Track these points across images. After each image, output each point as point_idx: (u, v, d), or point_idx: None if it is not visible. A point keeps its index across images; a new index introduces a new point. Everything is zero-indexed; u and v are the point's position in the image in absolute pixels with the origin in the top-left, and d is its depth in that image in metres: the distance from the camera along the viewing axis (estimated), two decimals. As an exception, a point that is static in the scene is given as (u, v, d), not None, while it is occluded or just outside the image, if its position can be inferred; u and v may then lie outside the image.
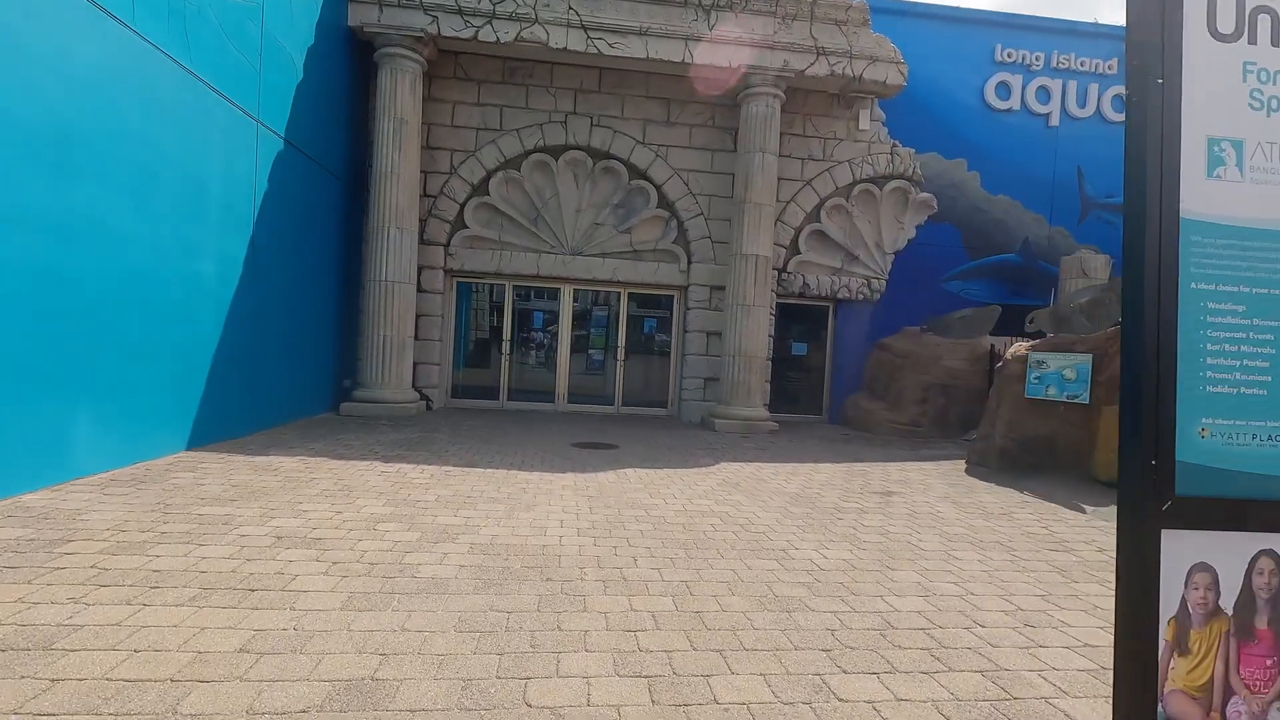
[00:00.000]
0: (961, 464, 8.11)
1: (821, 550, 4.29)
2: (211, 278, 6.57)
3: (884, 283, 12.08)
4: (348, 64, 10.08)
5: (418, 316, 10.96)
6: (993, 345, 10.45)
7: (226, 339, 6.90)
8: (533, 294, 11.77)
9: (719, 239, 11.55)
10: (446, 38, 9.98)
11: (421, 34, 9.80)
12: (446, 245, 11.11)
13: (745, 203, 10.54)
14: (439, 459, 6.79)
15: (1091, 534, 5.06)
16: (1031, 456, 7.50)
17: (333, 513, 4.51)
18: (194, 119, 6.17)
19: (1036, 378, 7.49)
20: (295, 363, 8.81)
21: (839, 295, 11.94)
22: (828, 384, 12.31)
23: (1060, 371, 7.25)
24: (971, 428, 10.55)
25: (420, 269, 10.94)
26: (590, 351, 12.00)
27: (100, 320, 5.07)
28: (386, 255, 9.85)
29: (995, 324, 10.79)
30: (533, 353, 11.89)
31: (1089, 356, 7.05)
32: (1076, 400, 7.10)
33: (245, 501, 4.65)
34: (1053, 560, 4.31)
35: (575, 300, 11.76)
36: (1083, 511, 5.76)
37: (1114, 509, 5.91)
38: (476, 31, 9.91)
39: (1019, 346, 8.01)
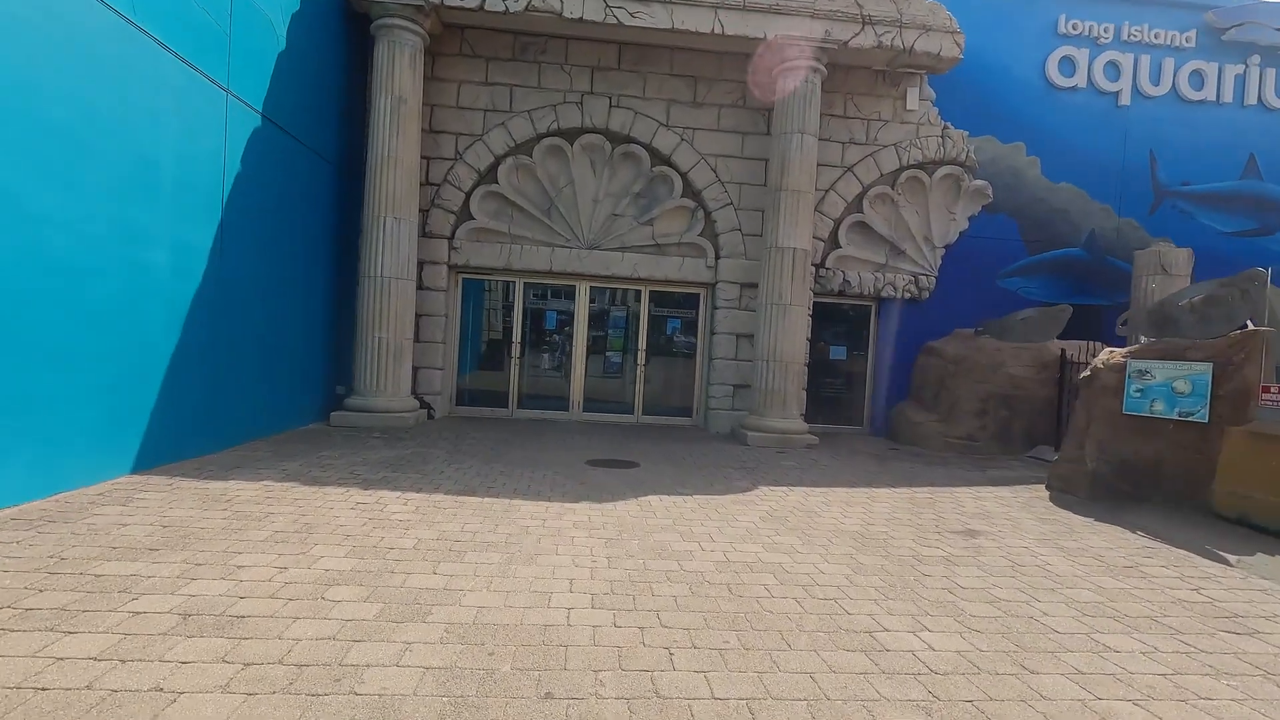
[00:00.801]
0: (1040, 489, 6.94)
1: (921, 633, 3.18)
2: (163, 269, 5.60)
3: (933, 280, 10.90)
4: (342, 37, 9.12)
5: (418, 316, 9.98)
6: (1063, 351, 9.22)
7: (186, 342, 5.93)
8: (546, 292, 10.73)
9: (750, 231, 10.44)
10: (450, 8, 8.97)
11: (423, 3, 8.80)
12: (450, 238, 10.11)
13: (781, 190, 9.42)
14: (430, 484, 5.77)
15: (1264, 601, 3.89)
16: (1130, 484, 6.31)
17: (275, 570, 3.49)
18: (138, 80, 5.20)
19: (1138, 390, 6.30)
20: (278, 368, 7.85)
21: (883, 294, 10.78)
22: (869, 392, 11.14)
23: (1170, 383, 6.06)
24: (1037, 443, 9.34)
25: (421, 264, 9.96)
26: (608, 355, 10.95)
27: (3, 318, 4.10)
28: (382, 248, 8.87)
29: (1065, 326, 9.56)
30: (545, 356, 10.86)
31: (1208, 366, 5.85)
32: (1191, 418, 5.91)
33: (169, 551, 3.65)
34: (1244, 652, 3.16)
35: (592, 299, 10.71)
36: (1228, 563, 4.58)
37: (1270, 560, 4.75)
38: (483, 0, 8.90)
39: (1110, 353, 6.82)
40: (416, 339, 9.98)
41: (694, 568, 3.97)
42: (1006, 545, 4.82)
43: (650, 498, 5.83)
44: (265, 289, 7.44)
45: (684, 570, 3.91)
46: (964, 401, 9.67)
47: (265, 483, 5.37)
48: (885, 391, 11.02)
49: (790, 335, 9.38)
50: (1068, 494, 6.58)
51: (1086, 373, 6.78)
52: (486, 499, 5.37)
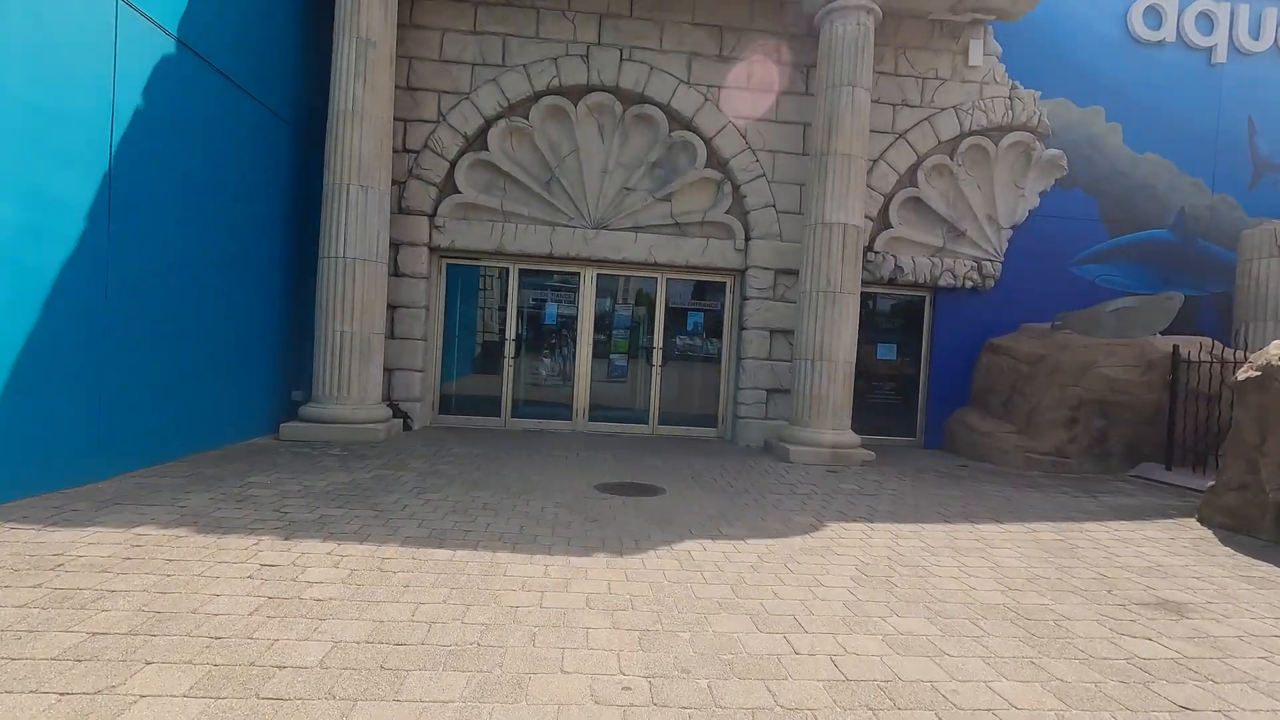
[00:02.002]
0: (1192, 524, 5.32)
1: None
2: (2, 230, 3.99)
3: (998, 266, 9.30)
4: (298, -31, 7.55)
5: (393, 308, 8.38)
6: (1175, 348, 7.61)
7: (51, 331, 4.33)
8: (545, 280, 9.13)
9: (787, 208, 8.84)
10: (429, -67, 7.40)
11: (395, -75, 7.24)
12: (432, 216, 8.52)
13: (828, 154, 7.82)
14: (383, 527, 4.15)
15: None
16: (1327, 520, 4.70)
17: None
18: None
19: (1341, 395, 4.69)
20: (213, 369, 6.24)
21: (940, 282, 9.18)
22: (923, 397, 9.53)
23: (1394, 386, 4.45)
24: (1141, 459, 7.72)
25: (397, 246, 8.36)
26: (617, 354, 9.33)
27: None
28: (345, 223, 7.26)
29: (1173, 318, 7.96)
30: (544, 356, 9.24)
31: None
32: None
33: None
34: None
35: (599, 288, 9.10)
36: None
37: None
38: (469, -78, 7.33)
39: (1282, 346, 5.21)
40: (390, 335, 8.38)
41: (795, 698, 2.35)
42: (1246, 630, 3.20)
43: (689, 545, 4.21)
44: (194, 269, 5.84)
45: (782, 707, 2.29)
46: (1047, 409, 8.05)
47: (140, 529, 3.75)
48: (942, 396, 9.41)
49: (839, 329, 7.77)
50: (1241, 533, 4.97)
51: (1253, 373, 5.17)
52: (460, 553, 3.75)
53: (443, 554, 3.71)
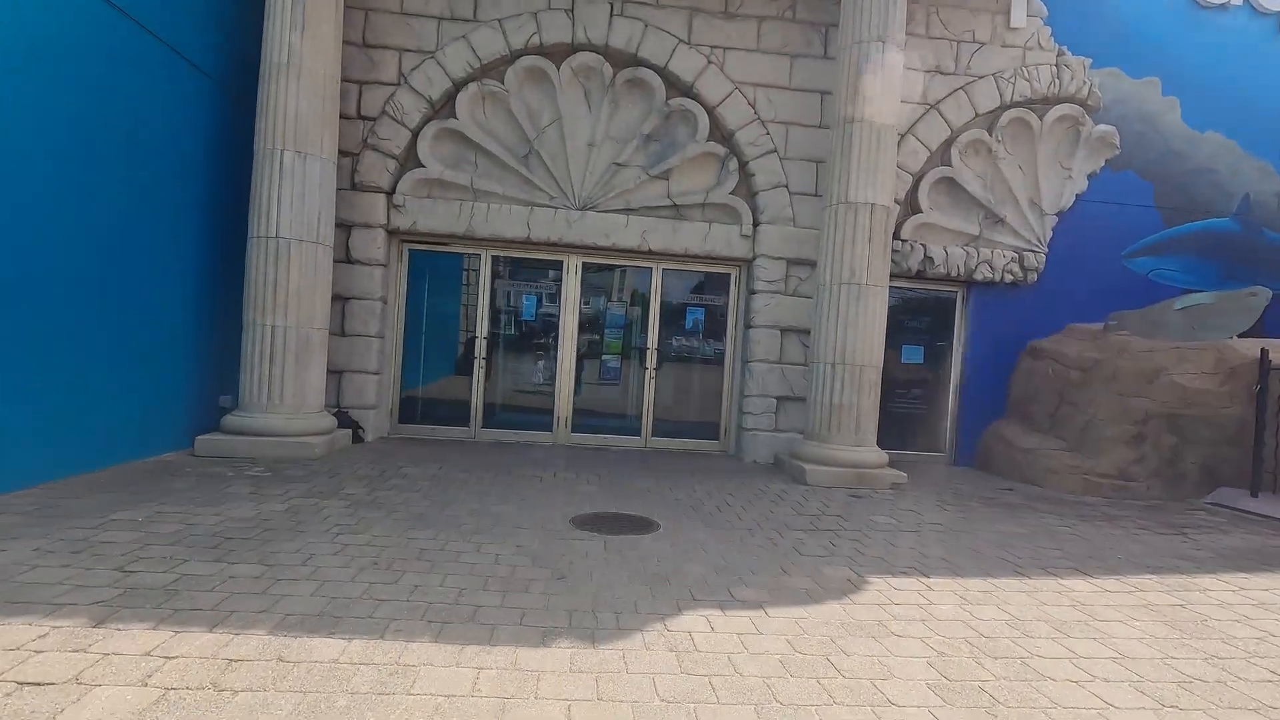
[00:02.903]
0: (1326, 578, 4.18)
1: None
2: None
3: (1042, 257, 8.15)
4: (226, -105, 6.35)
5: (343, 300, 7.18)
6: (1264, 351, 6.46)
7: None
8: (523, 269, 7.94)
9: (801, 189, 7.68)
10: None
11: None
12: (390, 193, 7.32)
13: (853, 122, 6.65)
14: (258, 597, 2.96)
15: None
16: None
17: None
18: None
19: None
20: (100, 370, 5.05)
21: (975, 275, 8.02)
22: (954, 406, 8.37)
23: None
24: (1220, 483, 6.57)
25: (349, 227, 7.17)
26: (606, 355, 8.15)
27: None
28: (277, 197, 6.07)
29: (1258, 317, 6.82)
30: (522, 356, 8.05)
31: None
32: None
33: None
34: None
35: (585, 279, 7.92)
36: None
37: None
38: None
39: None
40: (340, 331, 7.18)
41: None
42: None
43: (691, 620, 3.04)
44: (73, 248, 4.64)
45: None
46: (1106, 423, 6.89)
47: (-119, 611, 2.55)
48: (975, 406, 8.25)
49: (866, 328, 6.60)
50: None
51: None
52: (355, 645, 2.56)
53: (329, 648, 2.52)
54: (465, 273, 7.84)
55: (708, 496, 5.72)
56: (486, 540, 4.10)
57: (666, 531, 4.60)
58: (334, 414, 6.94)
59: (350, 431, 6.95)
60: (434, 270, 7.86)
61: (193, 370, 6.26)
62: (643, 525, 4.74)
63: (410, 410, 7.82)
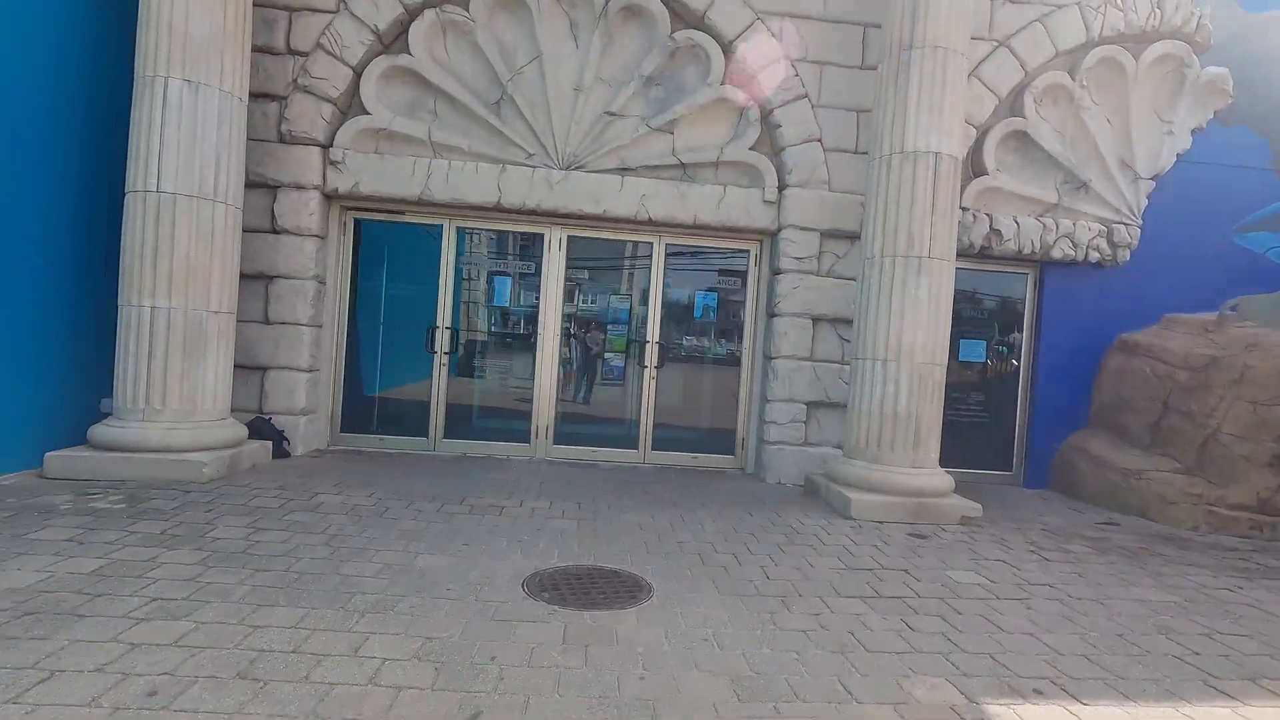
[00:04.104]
0: None
1: None
2: None
3: (1135, 232, 6.59)
4: None
5: (269, 279, 5.77)
6: None
7: None
8: (494, 242, 6.49)
9: (839, 144, 6.18)
10: None
11: None
12: (327, 146, 5.90)
13: (912, 48, 5.13)
14: None
15: None
16: None
17: None
18: None
19: None
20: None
21: (1052, 253, 6.48)
22: (1023, 413, 6.82)
23: None
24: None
25: (274, 188, 5.76)
26: (596, 351, 6.68)
27: None
28: (159, 138, 4.64)
29: None
30: (494, 352, 6.60)
31: None
32: None
33: None
34: None
35: (571, 254, 6.46)
36: None
37: None
38: None
39: None
40: (263, 318, 5.77)
41: None
42: None
43: None
44: None
45: None
46: (1234, 439, 5.34)
47: None
48: (1050, 413, 6.70)
49: (928, 315, 5.08)
50: None
51: None
52: None
53: None
54: (426, 248, 6.38)
55: (721, 538, 4.23)
56: (381, 627, 2.65)
57: (661, 602, 3.13)
58: (251, 422, 5.53)
59: (270, 444, 5.52)
60: (387, 245, 6.43)
61: (58, 368, 4.84)
62: (628, 591, 3.27)
63: (356, 417, 6.39)
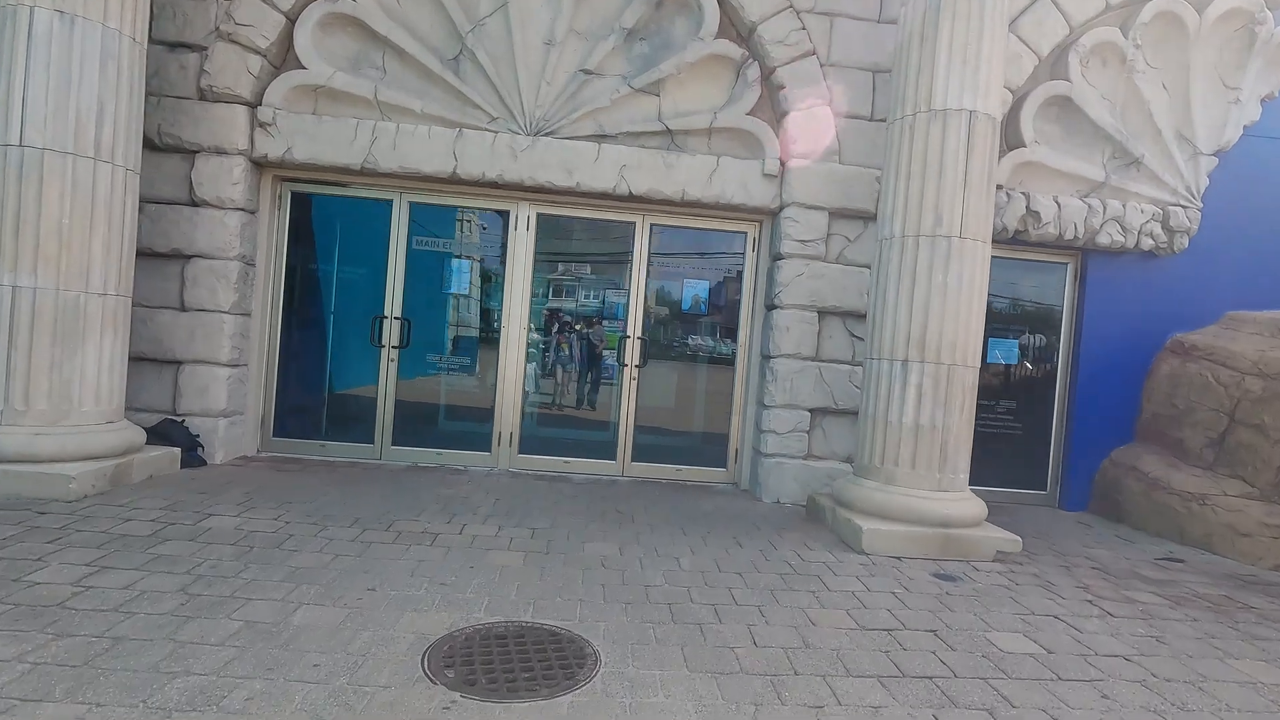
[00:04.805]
0: None
1: None
2: None
3: (1195, 215, 5.70)
4: None
5: (185, 259, 4.97)
6: None
7: None
8: (453, 221, 5.65)
9: (852, 108, 5.32)
10: None
11: None
12: (255, 105, 5.07)
13: (942, -13, 4.26)
14: None
15: None
16: None
17: None
18: None
19: None
20: None
21: (1098, 238, 5.60)
22: (1060, 425, 5.94)
23: None
24: None
25: (191, 154, 4.95)
26: (568, 347, 5.85)
27: None
28: (21, 79, 3.83)
29: None
30: (451, 346, 5.77)
31: None
32: None
33: None
34: None
35: (541, 233, 5.62)
36: None
37: None
38: None
39: None
40: (178, 304, 4.97)
41: None
42: None
43: None
44: None
45: None
46: (1326, 459, 4.44)
47: None
48: (1091, 424, 5.82)
49: (959, 307, 4.20)
50: None
51: None
52: None
53: None
54: (373, 227, 5.55)
55: (701, 580, 3.38)
56: (174, 745, 1.81)
57: (607, 685, 2.29)
58: (157, 425, 4.72)
59: (178, 452, 4.69)
60: (329, 222, 5.60)
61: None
62: (565, 666, 2.42)
63: (292, 419, 5.57)
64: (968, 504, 4.19)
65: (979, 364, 4.37)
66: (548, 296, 5.79)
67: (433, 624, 2.69)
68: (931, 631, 2.96)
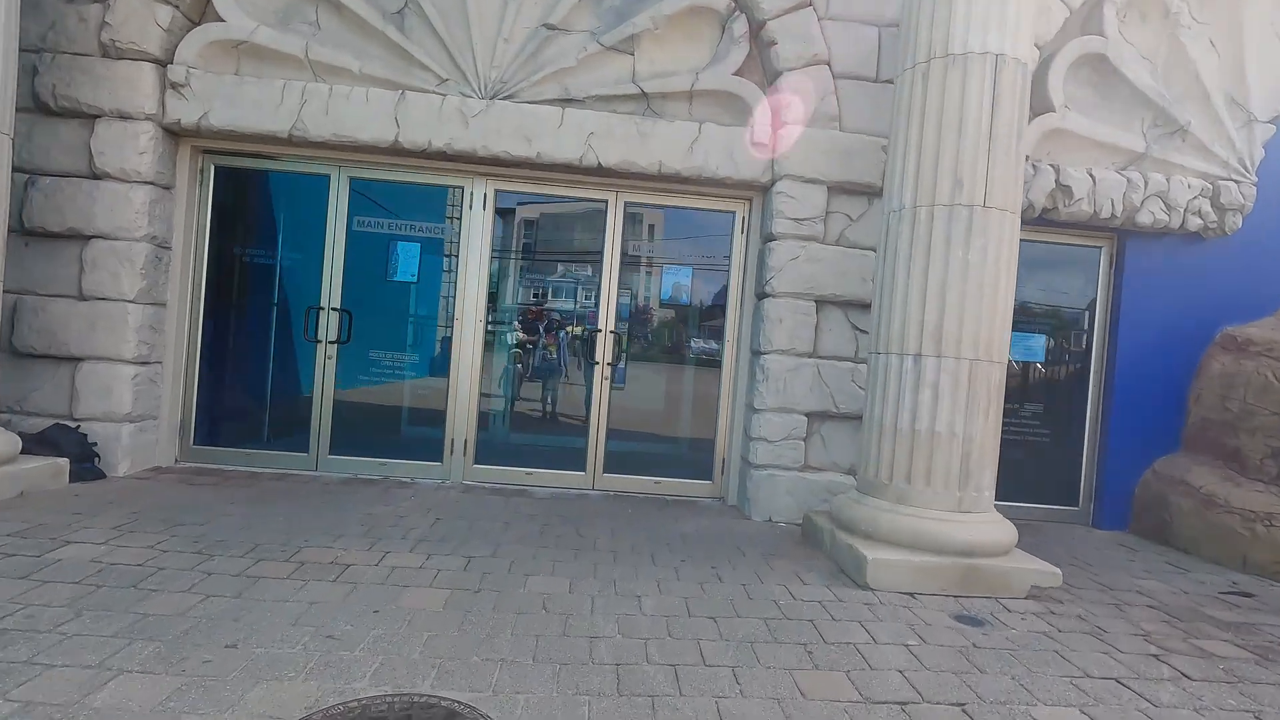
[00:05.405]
0: None
1: None
2: None
3: (1249, 190, 4.97)
4: None
5: (84, 240, 4.32)
6: None
7: None
8: (397, 197, 4.96)
9: (854, 68, 4.62)
10: None
11: None
12: (166, 63, 4.41)
13: (961, -91, 3.56)
14: None
15: None
16: None
17: None
18: None
19: None
20: None
21: (1138, 217, 4.88)
22: (1094, 431, 5.22)
23: None
24: None
25: (91, 119, 4.29)
26: (532, 343, 5.17)
27: None
28: None
29: None
30: (398, 342, 5.08)
31: None
32: None
33: None
34: None
35: (500, 213, 4.93)
36: None
37: None
38: None
39: None
40: (79, 293, 4.30)
41: None
42: None
43: None
44: None
45: None
46: None
47: None
48: (1128, 432, 5.09)
49: (984, 289, 3.48)
50: None
51: None
52: None
53: None
54: (309, 205, 4.87)
55: (664, 629, 2.68)
56: None
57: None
58: (44, 432, 4.06)
59: (66, 463, 4.02)
60: (262, 200, 4.94)
61: None
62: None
63: (217, 425, 4.90)
64: (994, 527, 3.48)
65: (1006, 360, 3.65)
66: (509, 285, 5.10)
67: (292, 699, 2.00)
68: (959, 706, 2.26)
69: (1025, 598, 3.34)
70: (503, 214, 4.94)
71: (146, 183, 4.36)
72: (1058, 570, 3.41)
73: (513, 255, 5.13)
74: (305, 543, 3.39)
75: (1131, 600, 3.47)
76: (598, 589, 3.08)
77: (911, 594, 3.28)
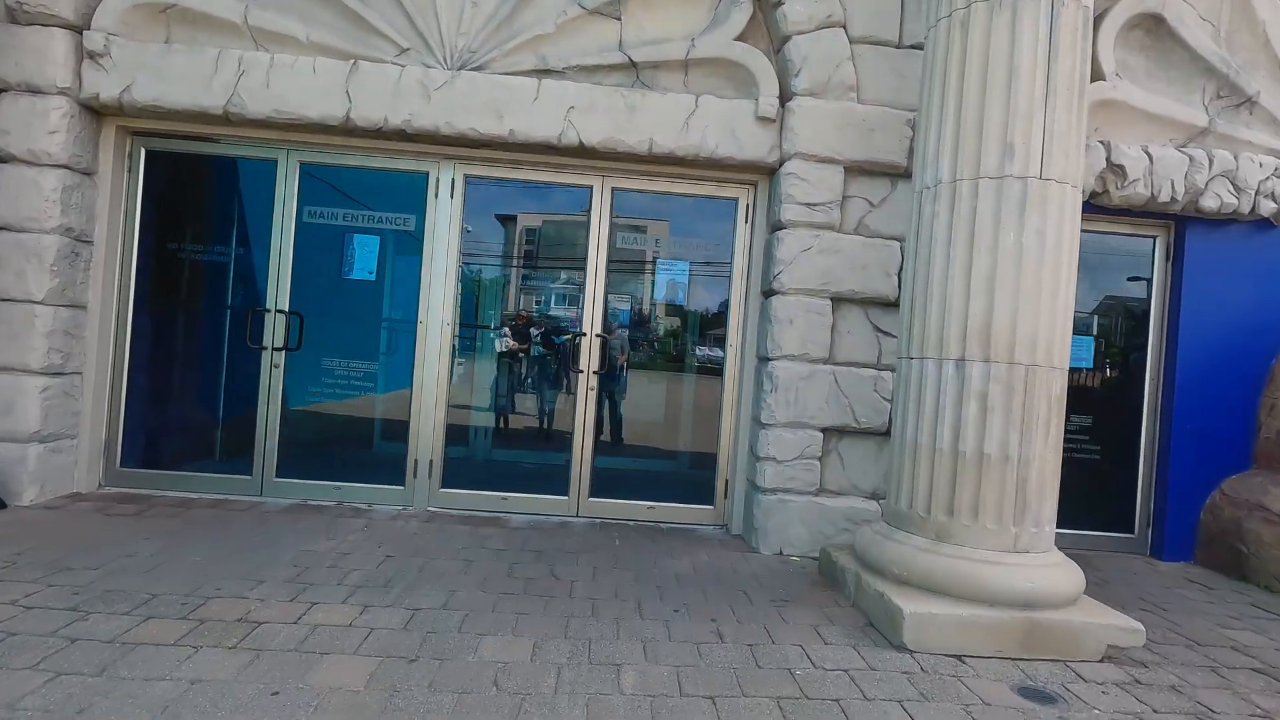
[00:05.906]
0: None
1: None
2: None
3: (1328, 171, 4.33)
4: None
5: (-21, 230, 3.72)
6: None
7: None
8: (354, 184, 4.36)
9: (873, 32, 4.01)
10: None
11: None
12: (82, 29, 3.84)
13: None
14: None
15: None
16: None
17: None
18: None
19: None
20: None
21: (1201, 202, 4.24)
22: (1151, 449, 4.56)
23: None
24: None
25: (-16, 88, 3.72)
26: (507, 350, 4.56)
27: None
28: None
29: None
30: (355, 349, 4.47)
31: None
32: None
33: None
34: None
35: (470, 202, 4.33)
36: None
37: None
38: None
39: None
40: (-26, 292, 3.70)
41: None
42: None
43: None
44: None
45: None
46: None
47: None
48: (1192, 447, 4.42)
49: (1042, 279, 2.85)
50: None
51: None
52: None
53: None
54: (255, 194, 4.29)
55: (648, 718, 2.05)
56: None
57: None
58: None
59: (-47, 491, 3.43)
60: (201, 189, 4.36)
61: None
62: None
63: (148, 445, 4.30)
64: (1059, 571, 2.83)
65: (1068, 364, 3.02)
66: (478, 279, 4.50)
67: None
68: None
69: (1100, 660, 2.69)
70: (474, 203, 4.33)
71: (59, 166, 3.79)
72: (1140, 627, 2.75)
73: (487, 250, 4.53)
74: (216, 591, 2.78)
75: (1229, 660, 2.82)
76: (567, 655, 2.45)
77: (959, 656, 2.64)
